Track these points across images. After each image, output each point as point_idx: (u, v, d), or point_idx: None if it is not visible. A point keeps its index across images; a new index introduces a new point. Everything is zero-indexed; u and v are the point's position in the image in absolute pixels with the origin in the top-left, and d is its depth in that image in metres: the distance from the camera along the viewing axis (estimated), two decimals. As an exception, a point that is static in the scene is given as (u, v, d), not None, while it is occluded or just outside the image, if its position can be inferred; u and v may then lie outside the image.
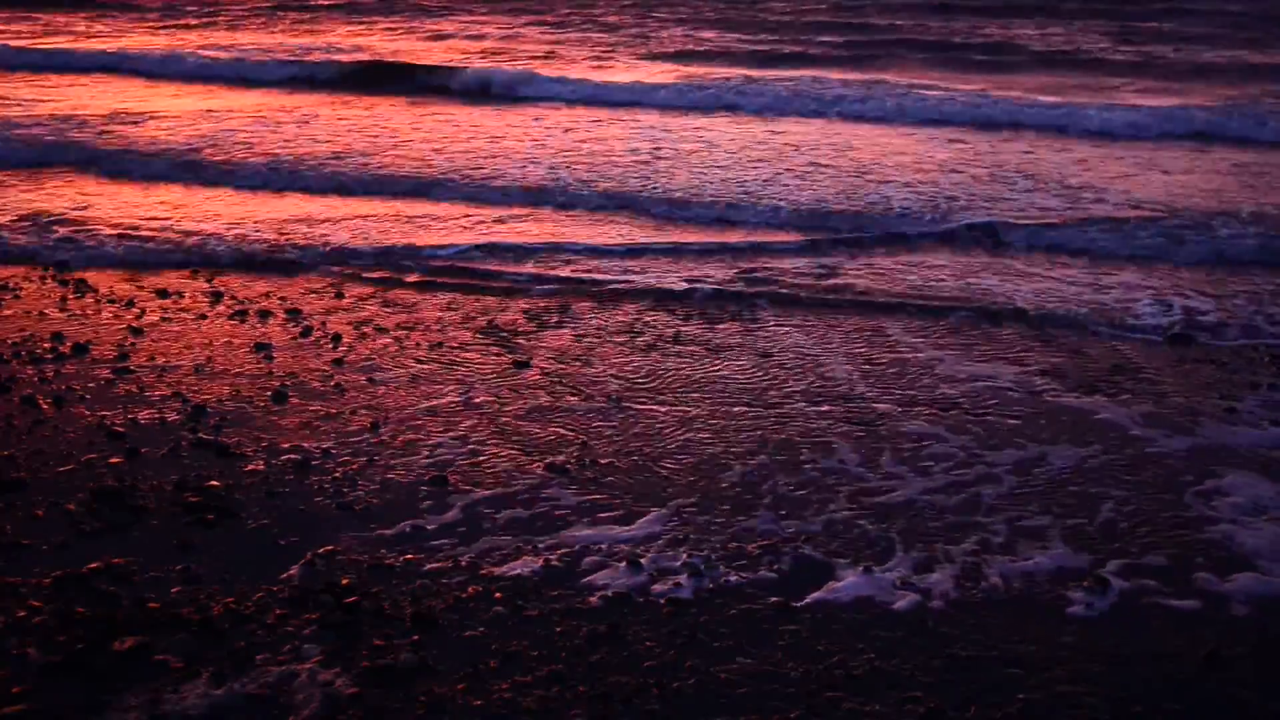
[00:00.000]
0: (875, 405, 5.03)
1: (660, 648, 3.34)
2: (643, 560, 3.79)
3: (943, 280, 6.80)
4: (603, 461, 4.49)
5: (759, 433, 4.73)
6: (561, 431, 4.75)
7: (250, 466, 4.40)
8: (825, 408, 5.00)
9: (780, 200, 8.48)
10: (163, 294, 6.47)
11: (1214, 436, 4.76)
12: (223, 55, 15.19)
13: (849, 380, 5.31)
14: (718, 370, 5.41)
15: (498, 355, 5.58)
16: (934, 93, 12.71)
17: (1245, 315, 6.24)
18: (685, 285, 6.67)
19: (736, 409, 4.96)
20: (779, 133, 11.17)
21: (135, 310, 6.18)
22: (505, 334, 5.88)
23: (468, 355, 5.59)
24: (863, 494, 4.26)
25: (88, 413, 4.86)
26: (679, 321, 6.09)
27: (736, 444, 4.63)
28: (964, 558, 3.84)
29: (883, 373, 5.41)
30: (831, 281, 6.77)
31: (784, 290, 6.60)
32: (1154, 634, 3.46)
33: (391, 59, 15.08)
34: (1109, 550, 3.89)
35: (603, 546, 3.89)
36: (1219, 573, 3.76)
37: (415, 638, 3.35)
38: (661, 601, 3.57)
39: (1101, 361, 5.58)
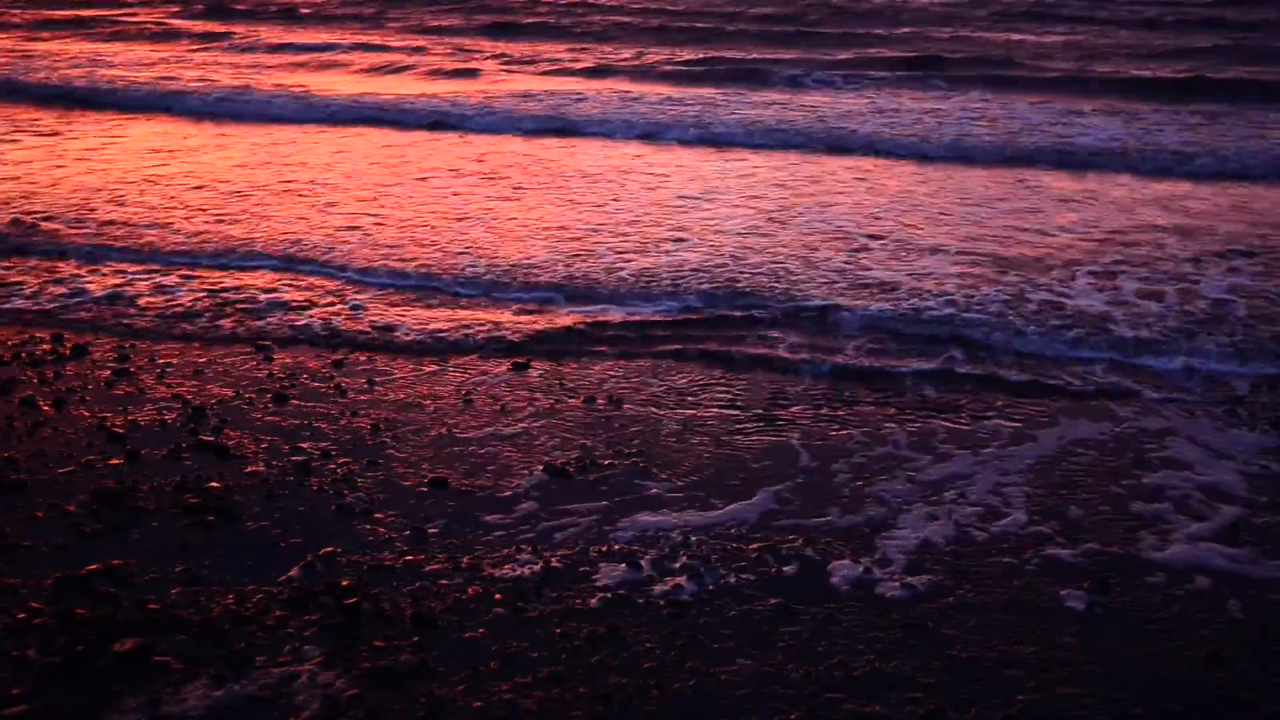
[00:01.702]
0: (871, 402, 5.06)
1: (660, 649, 3.34)
2: (643, 561, 3.79)
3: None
4: (604, 462, 4.51)
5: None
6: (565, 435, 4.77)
7: (250, 468, 4.40)
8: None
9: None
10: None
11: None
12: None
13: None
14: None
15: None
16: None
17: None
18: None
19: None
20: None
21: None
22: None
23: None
24: (857, 489, 4.28)
25: (88, 414, 4.86)
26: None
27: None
28: (956, 558, 3.85)
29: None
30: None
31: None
32: (1154, 634, 3.46)
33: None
34: (1107, 555, 3.90)
35: (602, 548, 3.89)
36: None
37: (415, 639, 3.35)
38: (662, 603, 3.57)
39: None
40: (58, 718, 2.98)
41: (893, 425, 4.85)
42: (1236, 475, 4.42)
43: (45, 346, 5.62)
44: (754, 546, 3.90)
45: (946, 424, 4.87)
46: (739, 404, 5.05)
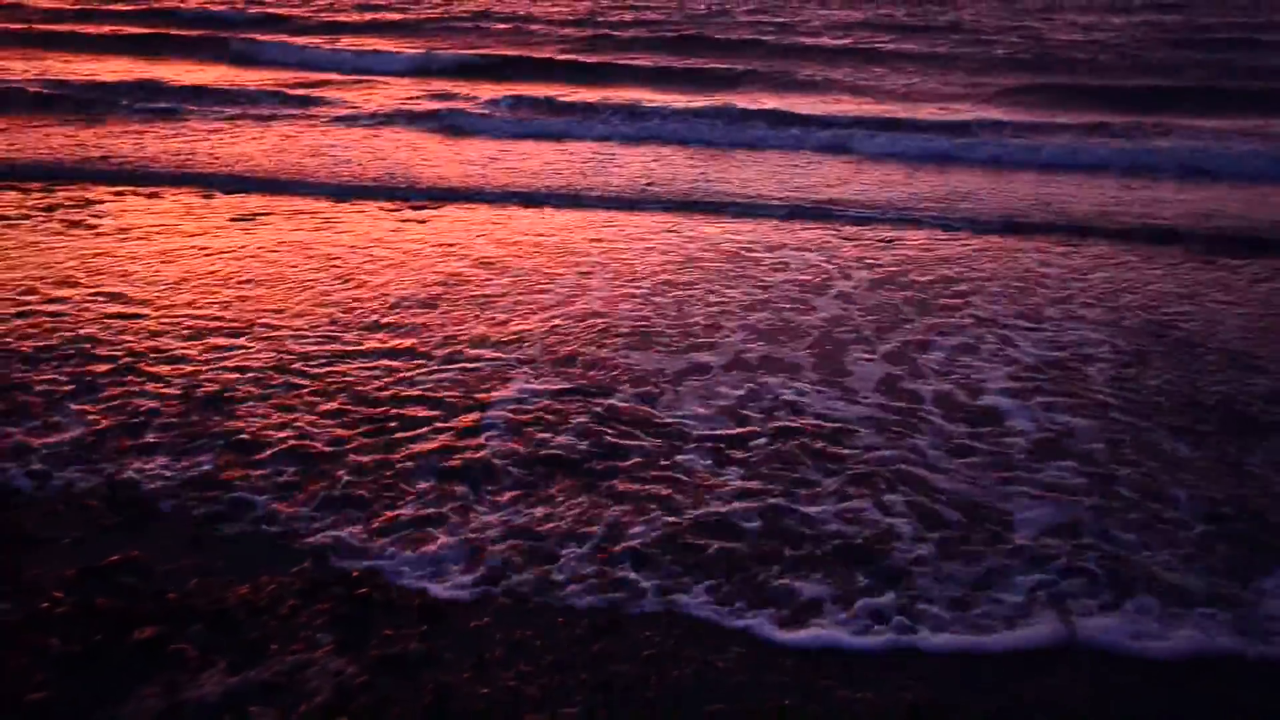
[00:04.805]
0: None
1: (660, 638, 3.44)
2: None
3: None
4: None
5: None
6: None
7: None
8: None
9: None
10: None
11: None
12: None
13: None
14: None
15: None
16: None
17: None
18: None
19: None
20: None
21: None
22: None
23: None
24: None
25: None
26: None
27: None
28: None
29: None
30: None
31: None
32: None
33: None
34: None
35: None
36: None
37: (423, 628, 3.45)
38: (660, 598, 3.67)
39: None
40: (79, 704, 3.09)
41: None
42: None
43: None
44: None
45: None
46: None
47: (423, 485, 4.31)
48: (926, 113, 13.14)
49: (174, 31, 20.44)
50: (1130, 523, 4.10)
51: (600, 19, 22.93)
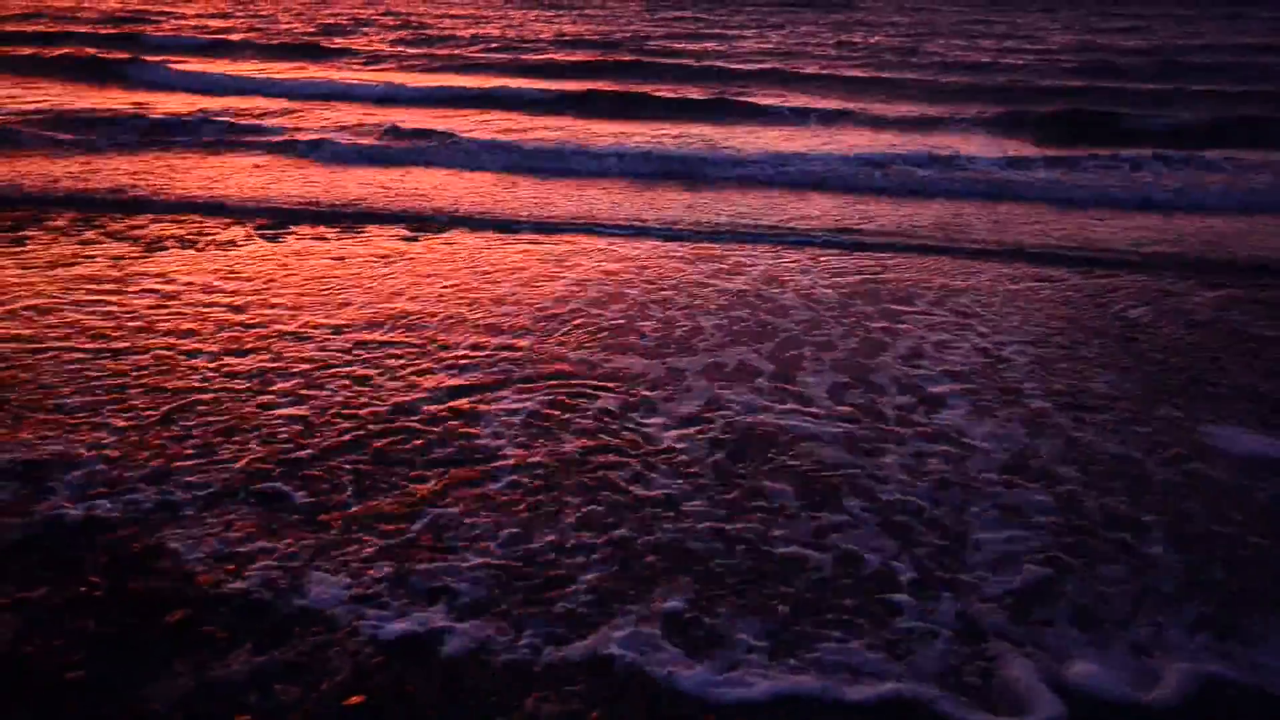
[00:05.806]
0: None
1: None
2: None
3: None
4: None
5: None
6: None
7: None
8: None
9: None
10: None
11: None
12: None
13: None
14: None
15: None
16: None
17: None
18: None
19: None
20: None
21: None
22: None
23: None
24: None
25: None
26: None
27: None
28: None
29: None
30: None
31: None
32: None
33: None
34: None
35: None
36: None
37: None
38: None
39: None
40: (114, 683, 3.27)
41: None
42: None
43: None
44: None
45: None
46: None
47: (426, 484, 4.48)
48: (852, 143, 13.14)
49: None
50: (1102, 554, 3.99)
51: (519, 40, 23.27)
